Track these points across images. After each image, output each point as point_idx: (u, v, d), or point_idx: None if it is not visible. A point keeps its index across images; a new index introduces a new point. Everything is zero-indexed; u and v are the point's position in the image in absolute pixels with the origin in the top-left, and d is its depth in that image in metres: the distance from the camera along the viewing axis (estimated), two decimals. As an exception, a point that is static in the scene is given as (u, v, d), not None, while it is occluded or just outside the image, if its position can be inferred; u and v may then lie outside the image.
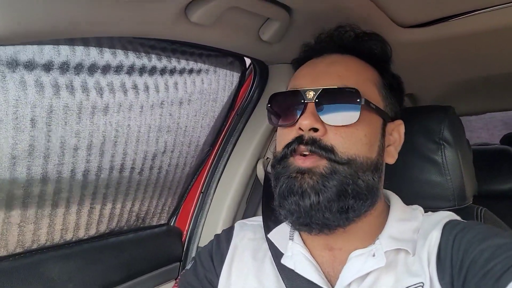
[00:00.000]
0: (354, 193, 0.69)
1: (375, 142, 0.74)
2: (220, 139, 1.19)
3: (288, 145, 0.71)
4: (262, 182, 1.14)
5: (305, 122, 0.69)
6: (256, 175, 1.18)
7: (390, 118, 0.79)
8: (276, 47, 0.97)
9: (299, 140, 0.70)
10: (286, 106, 0.75)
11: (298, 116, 0.71)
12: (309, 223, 0.70)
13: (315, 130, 0.70)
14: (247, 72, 1.17)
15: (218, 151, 1.19)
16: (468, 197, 0.97)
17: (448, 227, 0.72)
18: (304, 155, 0.70)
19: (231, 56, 1.09)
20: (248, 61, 1.15)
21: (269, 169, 1.17)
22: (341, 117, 0.70)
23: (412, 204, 0.83)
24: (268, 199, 0.95)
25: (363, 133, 0.72)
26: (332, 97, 0.71)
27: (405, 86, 1.33)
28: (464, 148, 0.99)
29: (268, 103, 0.78)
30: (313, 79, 0.74)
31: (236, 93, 1.17)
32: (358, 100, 0.70)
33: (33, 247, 0.84)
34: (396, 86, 0.82)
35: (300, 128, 0.70)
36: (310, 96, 0.71)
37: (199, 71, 1.04)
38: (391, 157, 0.79)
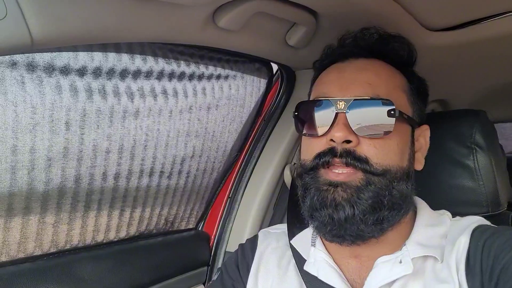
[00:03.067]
0: (389, 204, 0.68)
1: (406, 150, 0.72)
2: (247, 145, 1.20)
3: (319, 156, 0.70)
4: (289, 187, 1.13)
5: (338, 134, 0.67)
6: (283, 181, 1.18)
7: (417, 124, 0.77)
8: (303, 52, 0.98)
9: (332, 152, 0.68)
10: (315, 115, 0.72)
11: (329, 127, 0.69)
12: (343, 235, 0.68)
13: (348, 141, 0.68)
14: (274, 78, 1.18)
15: (246, 156, 1.20)
16: (502, 203, 0.94)
17: (477, 232, 0.70)
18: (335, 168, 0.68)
19: (258, 62, 1.10)
20: (275, 67, 1.15)
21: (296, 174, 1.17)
22: (374, 128, 0.68)
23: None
24: (294, 205, 0.95)
25: (396, 143, 0.70)
26: (365, 108, 0.69)
27: (436, 91, 1.30)
28: (497, 153, 0.96)
29: (294, 111, 0.77)
30: (341, 87, 0.72)
31: (263, 99, 1.18)
32: (392, 112, 0.68)
33: (66, 248, 0.87)
34: (422, 90, 0.81)
35: (331, 140, 0.69)
36: (341, 106, 0.69)
37: (226, 77, 1.05)
38: (419, 164, 0.77)
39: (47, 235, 0.82)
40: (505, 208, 0.96)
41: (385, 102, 0.69)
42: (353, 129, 0.68)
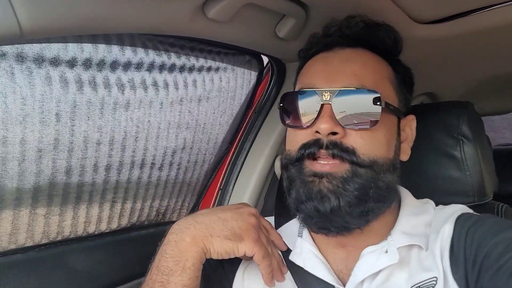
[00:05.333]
0: (375, 196, 0.68)
1: (392, 141, 0.73)
2: (238, 137, 1.20)
3: (304, 147, 0.69)
4: (279, 178, 1.14)
5: (324, 126, 0.67)
6: (274, 172, 1.19)
7: (403, 114, 0.77)
8: (293, 44, 0.98)
9: (317, 144, 0.68)
10: (300, 106, 0.72)
11: (314, 118, 0.69)
12: (328, 227, 0.69)
13: (334, 133, 0.67)
14: (264, 71, 1.19)
15: (237, 148, 1.20)
16: (488, 193, 0.95)
17: (460, 220, 0.71)
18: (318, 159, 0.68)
19: (248, 54, 1.11)
20: (265, 60, 1.16)
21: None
22: (360, 119, 0.68)
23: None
24: (281, 196, 0.95)
25: (382, 134, 0.70)
26: (351, 99, 0.68)
27: (424, 84, 1.31)
28: (483, 144, 0.97)
29: (280, 102, 0.76)
30: (327, 77, 0.71)
31: (254, 91, 1.18)
32: (379, 103, 0.68)
33: (57, 239, 0.87)
34: (408, 80, 0.80)
35: (317, 131, 0.68)
36: (326, 97, 0.68)
37: (217, 69, 1.05)
38: (405, 154, 0.77)
39: (39, 226, 0.83)
40: (491, 198, 0.97)
41: (371, 92, 0.68)
42: (339, 120, 0.67)
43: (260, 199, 1.20)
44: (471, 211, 0.76)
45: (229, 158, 1.20)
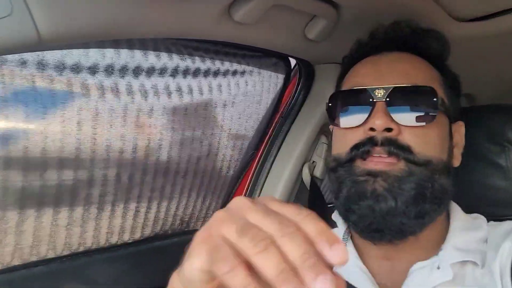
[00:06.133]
0: (431, 197, 0.65)
1: (445, 143, 0.70)
2: (264, 143, 1.16)
3: (357, 147, 0.66)
4: (308, 187, 1.10)
5: (378, 122, 0.64)
6: (302, 179, 1.15)
7: (454, 119, 0.74)
8: (323, 46, 0.93)
9: (371, 141, 0.65)
10: (351, 105, 0.69)
11: (367, 116, 0.66)
12: (383, 229, 0.65)
13: (389, 130, 0.65)
14: (292, 73, 1.14)
15: (263, 155, 1.16)
16: None
17: None
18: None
19: (275, 56, 1.06)
20: (293, 62, 1.11)
21: (315, 173, 1.13)
22: (416, 117, 0.65)
23: (473, 211, 0.76)
24: (314, 206, 0.91)
25: (436, 133, 0.68)
26: (405, 96, 0.66)
27: (463, 85, 1.26)
28: (530, 151, 0.90)
29: (328, 102, 0.74)
30: (377, 77, 0.69)
31: (281, 95, 1.14)
32: (435, 100, 0.66)
33: (79, 250, 0.85)
34: (456, 86, 0.78)
35: (371, 129, 0.65)
36: (379, 94, 0.66)
37: (242, 73, 1.02)
38: (456, 160, 0.74)
39: (60, 237, 0.81)
40: (540, 209, 0.91)
41: (427, 90, 0.67)
42: (393, 117, 0.65)
43: (288, 207, 1.15)
44: None
45: (254, 165, 1.16)
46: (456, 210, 0.74)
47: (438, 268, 0.64)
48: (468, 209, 0.76)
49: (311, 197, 0.97)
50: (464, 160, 0.88)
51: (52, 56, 0.68)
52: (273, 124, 1.16)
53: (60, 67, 0.69)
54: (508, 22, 0.94)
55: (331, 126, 0.78)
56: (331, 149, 0.76)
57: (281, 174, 1.13)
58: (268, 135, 1.16)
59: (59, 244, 0.81)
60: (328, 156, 0.75)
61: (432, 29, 0.76)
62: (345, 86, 0.75)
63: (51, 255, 0.81)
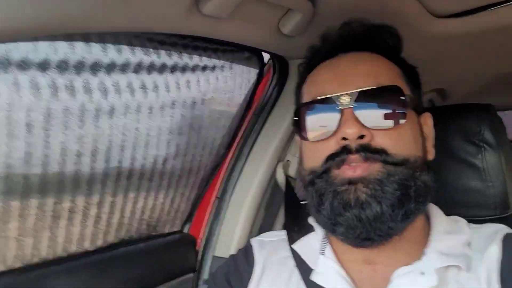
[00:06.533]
0: (415, 196, 0.63)
1: (418, 139, 0.69)
2: (236, 141, 1.12)
3: (332, 158, 0.64)
4: (282, 187, 1.06)
5: (350, 130, 0.62)
6: (276, 179, 1.10)
7: (420, 112, 0.73)
8: (298, 40, 0.89)
9: (346, 150, 0.63)
10: (317, 116, 0.67)
11: (337, 125, 0.64)
12: (372, 237, 0.63)
13: (361, 137, 0.63)
14: (265, 68, 1.09)
15: (235, 153, 1.11)
16: (511, 205, 0.88)
17: (508, 241, 0.65)
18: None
19: (248, 51, 1.01)
20: (266, 57, 1.06)
21: (290, 173, 1.10)
22: (387, 119, 0.64)
23: (449, 212, 0.75)
24: (290, 208, 0.88)
25: (409, 131, 0.67)
26: (372, 99, 0.64)
27: (435, 80, 1.26)
28: (507, 151, 0.90)
29: (294, 116, 0.71)
30: (340, 82, 0.67)
31: (254, 91, 1.09)
32: (402, 98, 0.65)
33: (33, 261, 0.78)
34: (416, 78, 0.76)
35: (343, 138, 0.63)
36: (345, 101, 0.64)
37: (213, 68, 0.96)
38: (430, 154, 0.73)
39: (10, 249, 0.73)
40: (515, 210, 0.90)
41: (393, 89, 0.65)
42: (363, 123, 0.63)
43: (261, 208, 1.11)
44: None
45: (226, 164, 1.12)
46: (436, 212, 0.72)
47: (423, 273, 0.62)
48: (443, 210, 0.75)
49: (287, 198, 0.93)
50: (440, 160, 0.86)
51: None
52: (246, 122, 1.11)
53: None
54: (484, 19, 0.93)
55: (298, 139, 0.75)
56: (302, 162, 0.73)
57: (254, 174, 1.09)
58: (240, 133, 1.11)
59: (9, 256, 0.73)
60: (301, 170, 0.72)
61: (384, 24, 0.74)
62: (308, 96, 0.72)
63: (0, 268, 0.73)
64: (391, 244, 0.65)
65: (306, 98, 0.72)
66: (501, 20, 0.93)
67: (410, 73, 0.75)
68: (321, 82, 0.70)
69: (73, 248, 0.84)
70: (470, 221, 0.74)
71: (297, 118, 0.71)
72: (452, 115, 0.92)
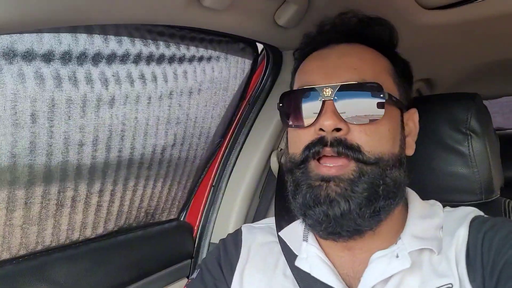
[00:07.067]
0: (384, 193, 0.65)
1: (397, 136, 0.70)
2: (231, 130, 1.14)
3: (308, 148, 0.66)
4: (276, 174, 1.08)
5: (327, 122, 0.64)
6: (270, 167, 1.13)
7: (405, 108, 0.75)
8: (292, 32, 0.91)
9: (321, 142, 0.65)
10: (300, 105, 0.69)
11: (317, 116, 0.66)
12: (339, 232, 0.65)
13: (338, 130, 0.65)
14: (259, 59, 1.11)
15: (230, 142, 1.13)
16: (495, 190, 0.92)
17: (475, 224, 0.68)
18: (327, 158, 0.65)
19: (242, 42, 1.03)
20: (260, 47, 1.08)
21: (283, 161, 1.12)
22: (364, 114, 0.66)
23: (436, 198, 0.78)
24: (281, 196, 0.91)
25: (387, 128, 0.68)
26: (353, 94, 0.66)
27: (422, 70, 1.29)
28: (492, 138, 0.93)
29: (279, 103, 0.74)
30: (326, 74, 0.69)
31: (248, 81, 1.11)
32: (382, 96, 0.66)
33: (37, 249, 0.79)
34: (407, 73, 0.78)
35: (320, 129, 0.66)
36: (327, 93, 0.66)
37: (209, 59, 0.97)
38: (410, 149, 0.75)
39: (15, 237, 0.74)
40: (498, 195, 0.94)
41: (373, 86, 0.66)
42: (342, 116, 0.65)
43: (255, 196, 1.14)
44: (482, 213, 0.73)
45: (221, 153, 1.14)
46: (413, 198, 0.75)
47: (397, 256, 0.65)
48: (429, 196, 0.78)
49: (279, 185, 0.96)
50: (427, 148, 0.89)
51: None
52: (240, 111, 1.13)
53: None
54: (470, 11, 0.96)
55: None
56: (288, 148, 0.75)
57: (248, 162, 1.11)
58: (235, 123, 1.13)
59: (14, 244, 0.75)
60: (286, 155, 0.75)
61: (378, 17, 0.75)
62: (296, 84, 0.75)
63: (5, 256, 0.75)
64: (368, 235, 0.67)
65: (295, 86, 0.75)
66: (485, 12, 0.96)
67: (401, 68, 0.76)
68: (309, 72, 0.72)
69: (76, 236, 0.85)
70: (454, 206, 0.76)
71: (281, 104, 0.73)
72: (440, 104, 0.95)
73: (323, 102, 0.66)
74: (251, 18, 0.83)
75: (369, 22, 0.74)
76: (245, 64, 1.08)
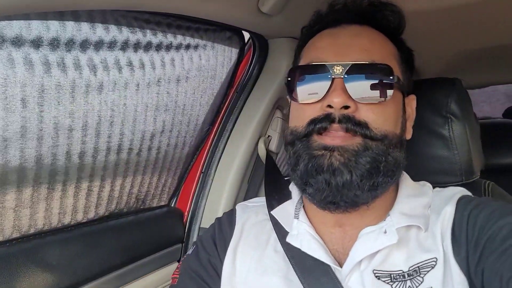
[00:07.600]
0: (384, 170, 0.68)
1: (399, 118, 0.73)
2: (219, 118, 1.16)
3: (314, 122, 0.68)
4: (263, 161, 1.11)
5: (337, 99, 0.66)
6: (258, 154, 1.15)
7: (407, 93, 0.77)
8: (277, 19, 0.93)
9: (329, 118, 0.67)
10: (309, 80, 0.70)
11: (326, 92, 0.67)
12: (338, 201, 0.67)
13: (346, 107, 0.67)
14: (246, 48, 1.13)
15: (218, 130, 1.16)
16: (475, 171, 0.95)
17: (462, 202, 0.71)
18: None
19: (229, 30, 1.05)
20: (247, 36, 1.10)
21: (271, 147, 1.15)
22: (372, 94, 0.67)
23: (419, 179, 0.81)
24: (270, 178, 0.93)
25: (392, 109, 0.70)
26: (363, 73, 0.68)
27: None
28: (471, 122, 0.96)
29: (287, 77, 0.74)
30: (337, 52, 0.70)
31: (235, 69, 1.13)
32: (391, 78, 0.68)
33: (30, 232, 0.81)
34: (410, 61, 0.81)
35: (328, 106, 0.67)
36: (338, 71, 0.67)
37: (196, 47, 0.99)
38: (408, 133, 0.78)
39: (8, 220, 0.77)
40: (479, 176, 0.97)
41: (384, 68, 0.68)
42: (350, 94, 0.66)
43: (244, 181, 1.16)
44: (469, 193, 0.76)
45: (210, 140, 1.16)
46: (405, 179, 0.78)
47: (385, 232, 0.68)
48: (414, 179, 0.80)
49: (267, 171, 0.98)
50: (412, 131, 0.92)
51: None
52: (228, 99, 1.15)
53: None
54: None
55: (288, 99, 0.79)
56: (288, 121, 0.77)
57: (237, 149, 1.13)
58: (223, 110, 1.16)
59: (7, 227, 0.77)
60: (286, 129, 0.76)
61: (390, 3, 0.77)
62: (304, 60, 0.76)
63: (-1, 239, 0.77)
64: (361, 210, 0.70)
65: (303, 61, 0.76)
66: None
67: (406, 54, 0.79)
68: (320, 48, 0.73)
69: (68, 220, 0.88)
70: (440, 187, 0.79)
71: (290, 79, 0.74)
72: (422, 89, 0.98)
73: (333, 79, 0.67)
74: (235, 6, 0.85)
75: (380, 6, 0.76)
76: (232, 52, 1.10)
